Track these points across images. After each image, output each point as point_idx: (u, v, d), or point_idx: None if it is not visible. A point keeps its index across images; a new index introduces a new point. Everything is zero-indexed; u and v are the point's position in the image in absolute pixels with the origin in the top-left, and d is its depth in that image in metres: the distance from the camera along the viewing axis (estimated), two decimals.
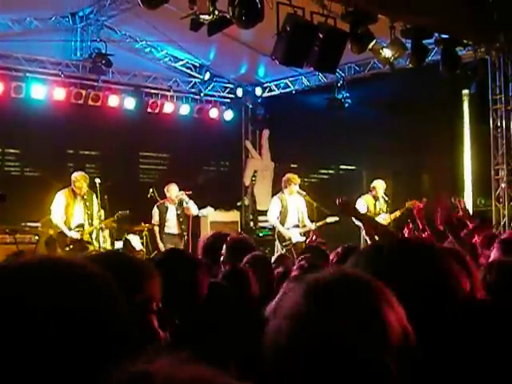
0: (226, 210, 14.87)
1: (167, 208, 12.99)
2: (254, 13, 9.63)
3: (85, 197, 11.78)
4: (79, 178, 11.81)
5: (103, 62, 13.91)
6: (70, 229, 11.68)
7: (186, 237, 12.90)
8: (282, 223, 12.86)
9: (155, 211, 13.06)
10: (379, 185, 13.27)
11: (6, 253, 11.19)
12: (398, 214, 12.92)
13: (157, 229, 13.00)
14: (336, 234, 12.89)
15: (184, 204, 12.99)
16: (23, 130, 13.75)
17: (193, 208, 13.05)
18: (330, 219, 12.81)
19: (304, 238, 12.71)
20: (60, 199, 11.77)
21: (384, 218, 12.96)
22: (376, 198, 13.25)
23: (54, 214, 11.70)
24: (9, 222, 12.49)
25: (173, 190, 12.96)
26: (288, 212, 12.90)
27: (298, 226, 12.86)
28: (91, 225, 11.81)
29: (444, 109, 14.05)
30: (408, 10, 10.63)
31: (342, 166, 17.29)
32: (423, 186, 15.51)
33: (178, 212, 12.98)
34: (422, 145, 14.55)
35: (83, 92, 14.58)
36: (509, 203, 12.79)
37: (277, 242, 13.44)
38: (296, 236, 12.76)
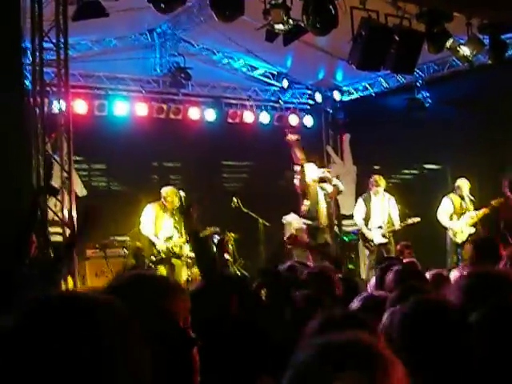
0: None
1: None
2: (328, 20, 9.67)
3: (174, 211, 11.89)
4: (170, 192, 11.89)
5: (182, 75, 14.15)
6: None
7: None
8: (366, 224, 12.85)
9: None
10: (463, 183, 13.09)
11: (98, 267, 11.54)
12: (485, 211, 12.70)
13: None
14: (420, 235, 12.82)
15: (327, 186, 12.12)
16: (108, 145, 14.06)
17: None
18: (411, 220, 12.76)
19: (387, 240, 12.71)
20: (149, 211, 11.91)
21: (470, 216, 12.78)
22: (461, 197, 13.07)
23: (144, 225, 11.84)
24: (98, 236, 12.79)
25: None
26: (372, 213, 12.88)
27: (381, 228, 12.81)
28: (180, 237, 11.89)
29: None
30: (484, 5, 10.45)
31: (426, 166, 17.08)
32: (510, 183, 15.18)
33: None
34: (506, 142, 14.27)
35: (164, 106, 14.86)
36: None
37: (360, 243, 13.45)
38: (378, 237, 12.73)
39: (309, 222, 11.80)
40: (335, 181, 12.31)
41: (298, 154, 11.43)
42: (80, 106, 13.71)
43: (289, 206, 14.60)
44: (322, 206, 11.81)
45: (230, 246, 13.21)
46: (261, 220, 13.37)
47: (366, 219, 12.90)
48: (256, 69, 15.91)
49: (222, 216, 13.38)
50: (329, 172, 12.49)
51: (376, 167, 17.22)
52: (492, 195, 13.40)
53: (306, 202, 11.77)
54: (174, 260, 11.73)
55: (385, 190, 13.07)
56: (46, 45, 9.81)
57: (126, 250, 12.44)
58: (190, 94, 15.32)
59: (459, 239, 12.78)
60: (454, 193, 13.19)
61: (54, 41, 9.87)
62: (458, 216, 12.92)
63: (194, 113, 15.32)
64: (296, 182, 11.73)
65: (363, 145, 16.47)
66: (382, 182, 12.94)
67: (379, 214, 12.89)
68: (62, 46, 9.90)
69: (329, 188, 12.00)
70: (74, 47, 12.88)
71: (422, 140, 15.06)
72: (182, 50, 14.47)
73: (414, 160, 16.84)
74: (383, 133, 15.36)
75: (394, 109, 15.85)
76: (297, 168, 11.61)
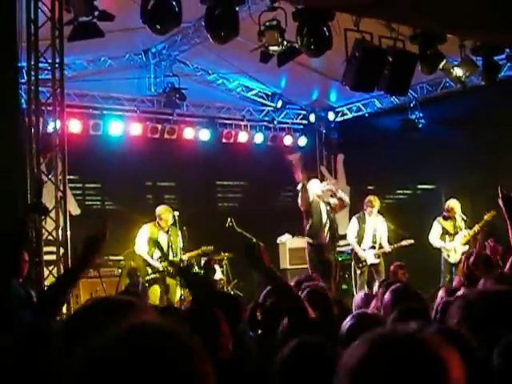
0: (304, 236, 14.88)
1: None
2: (322, 41, 9.74)
3: (169, 231, 11.88)
4: (164, 211, 11.86)
5: (177, 95, 14.20)
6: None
7: None
8: (359, 243, 12.85)
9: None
10: (455, 204, 13.04)
11: (92, 287, 11.50)
12: (477, 228, 12.69)
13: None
14: (413, 255, 12.83)
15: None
16: (102, 165, 14.09)
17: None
18: (405, 242, 12.78)
19: (379, 261, 12.72)
20: (145, 232, 11.89)
21: (463, 235, 12.79)
22: (453, 218, 13.04)
23: (139, 245, 11.78)
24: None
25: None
26: (365, 233, 12.88)
27: (373, 248, 12.82)
28: (174, 257, 11.86)
29: None
30: (477, 27, 10.53)
31: (420, 186, 17.14)
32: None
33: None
34: (500, 162, 14.34)
35: (159, 126, 14.91)
36: None
37: (353, 263, 13.44)
38: (371, 258, 12.73)
39: (310, 241, 11.79)
40: (340, 193, 12.24)
41: (300, 173, 11.43)
42: (74, 126, 13.74)
43: (283, 226, 14.66)
44: (326, 223, 11.80)
45: (219, 266, 13.21)
46: (254, 240, 13.35)
47: (359, 239, 12.89)
48: (250, 89, 15.99)
49: (216, 236, 13.37)
50: (333, 184, 12.44)
51: (370, 187, 17.24)
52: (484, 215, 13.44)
53: (310, 220, 11.74)
54: (168, 279, 11.70)
55: (379, 212, 13.07)
56: (41, 65, 9.84)
57: (120, 270, 12.43)
58: (185, 114, 15.40)
59: (453, 259, 12.78)
60: (444, 214, 13.14)
61: (50, 60, 9.90)
62: (451, 237, 12.92)
63: (188, 133, 15.37)
64: (299, 200, 11.70)
65: (357, 165, 16.53)
66: (377, 203, 12.94)
67: (371, 234, 12.89)
68: (58, 65, 9.92)
69: (333, 201, 12.02)
70: (69, 67, 12.94)
71: (416, 160, 15.12)
72: (176, 71, 14.53)
73: (408, 180, 16.89)
74: (377, 153, 15.43)
75: (388, 129, 15.92)
76: (299, 187, 11.59)
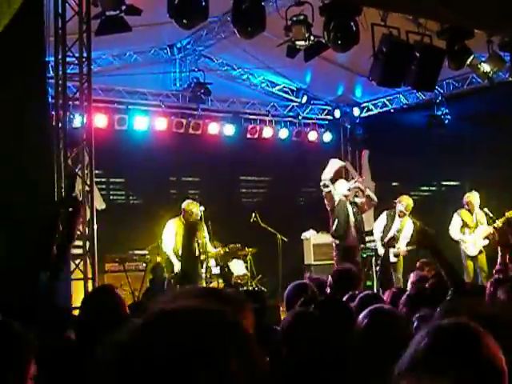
0: (329, 232, 14.85)
1: None
2: (349, 36, 9.70)
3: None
4: (191, 205, 11.84)
5: (202, 90, 14.20)
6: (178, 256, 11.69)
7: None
8: (382, 240, 12.83)
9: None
10: (473, 197, 12.98)
11: (117, 281, 11.53)
12: (498, 224, 12.59)
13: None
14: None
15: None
16: (127, 159, 14.12)
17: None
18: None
19: (397, 259, 12.69)
20: (170, 227, 11.87)
21: (485, 230, 12.72)
22: (472, 212, 12.99)
23: (165, 242, 11.77)
24: (116, 249, 12.84)
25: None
26: (390, 231, 12.84)
27: (394, 247, 12.79)
28: (201, 253, 11.80)
29: None
30: (505, 22, 10.44)
31: (445, 182, 17.04)
32: None
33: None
34: None
35: (184, 121, 14.93)
36: None
37: (373, 259, 13.44)
38: (391, 256, 12.71)
39: (337, 242, 11.75)
40: (368, 191, 12.23)
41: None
42: (100, 120, 13.77)
43: (308, 221, 14.62)
44: (353, 224, 11.75)
45: (243, 261, 13.20)
46: (279, 235, 13.36)
47: (384, 235, 12.86)
48: (275, 84, 15.97)
49: (241, 231, 13.39)
50: (360, 182, 12.37)
51: (394, 184, 17.20)
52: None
53: (336, 221, 11.70)
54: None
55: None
56: (68, 59, 9.87)
57: (145, 264, 12.46)
58: (210, 109, 15.41)
59: (470, 252, 12.74)
60: (463, 208, 13.10)
61: (77, 55, 9.92)
62: (471, 229, 12.87)
63: (213, 128, 15.38)
64: (325, 201, 11.67)
65: (382, 161, 16.45)
66: (403, 202, 12.86)
67: (394, 233, 12.85)
68: (85, 60, 9.95)
69: (360, 200, 12.00)
70: (95, 61, 12.94)
71: (441, 156, 15.03)
72: (201, 65, 14.54)
73: (433, 176, 16.80)
74: (402, 149, 15.34)
75: (413, 125, 15.83)
76: (323, 187, 11.52)
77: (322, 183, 11.60)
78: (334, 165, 12.06)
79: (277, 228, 13.40)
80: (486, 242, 12.67)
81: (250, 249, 13.26)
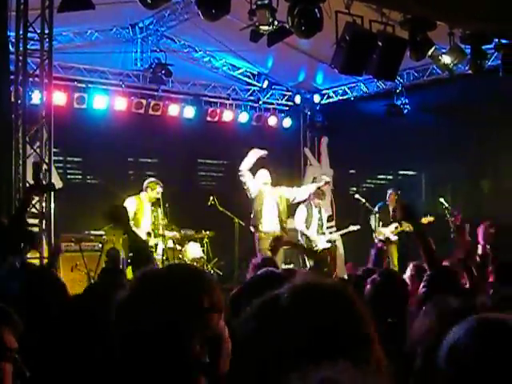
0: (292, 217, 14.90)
1: None
2: (313, 23, 9.70)
3: (153, 206, 11.95)
4: (155, 183, 11.97)
5: (163, 71, 14.10)
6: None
7: None
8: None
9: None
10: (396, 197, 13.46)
11: (72, 261, 11.45)
12: (406, 228, 12.87)
13: None
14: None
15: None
16: (85, 138, 14.00)
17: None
18: (352, 227, 13.15)
19: (330, 245, 13.08)
20: (130, 204, 11.88)
21: (395, 226, 13.16)
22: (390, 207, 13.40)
23: None
24: (71, 229, 12.73)
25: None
26: (312, 220, 13.19)
27: (324, 234, 13.16)
28: (157, 234, 11.88)
29: (504, 114, 13.91)
30: (467, 16, 10.55)
31: (401, 172, 17.20)
32: (483, 191, 15.36)
33: None
34: (482, 150, 14.43)
35: (144, 102, 14.83)
36: None
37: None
38: (322, 243, 13.15)
39: (253, 229, 12.20)
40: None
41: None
42: (59, 98, 13.60)
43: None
44: (273, 213, 12.14)
45: (200, 245, 13.20)
46: (236, 219, 13.36)
47: (307, 224, 13.17)
48: (237, 68, 15.91)
49: (198, 214, 13.36)
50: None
51: (352, 171, 17.34)
52: (466, 202, 13.56)
53: (254, 210, 12.21)
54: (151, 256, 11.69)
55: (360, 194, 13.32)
56: (29, 34, 9.74)
57: (101, 245, 12.37)
58: (170, 90, 15.33)
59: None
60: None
61: (39, 31, 9.79)
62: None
63: (173, 109, 15.31)
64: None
65: (340, 148, 16.54)
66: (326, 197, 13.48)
67: (316, 222, 13.22)
68: (46, 36, 9.82)
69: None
70: (56, 38, 12.73)
71: (399, 146, 15.16)
72: (163, 46, 14.44)
73: (390, 166, 16.94)
74: (361, 137, 15.46)
75: (373, 114, 15.93)
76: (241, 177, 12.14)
77: (238, 173, 12.13)
78: (254, 155, 12.44)
79: (234, 212, 13.40)
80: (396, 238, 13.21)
81: (207, 232, 13.26)
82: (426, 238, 4.88)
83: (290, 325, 1.51)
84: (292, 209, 13.20)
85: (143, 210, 11.93)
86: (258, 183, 12.19)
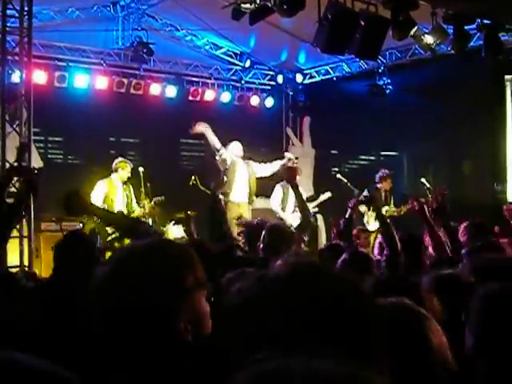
0: (268, 197, 14.88)
1: None
2: (295, 1, 9.65)
3: (124, 186, 11.94)
4: (122, 163, 11.98)
5: (145, 50, 14.02)
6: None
7: None
8: (283, 210, 13.31)
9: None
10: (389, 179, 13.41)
11: (53, 241, 11.37)
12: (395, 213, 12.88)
13: None
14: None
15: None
16: (66, 118, 13.91)
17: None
18: (323, 196, 13.24)
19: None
20: (100, 187, 11.93)
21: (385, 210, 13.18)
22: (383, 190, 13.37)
23: (94, 201, 11.84)
24: (52, 209, 12.67)
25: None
26: (289, 199, 13.34)
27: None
28: (130, 214, 11.88)
29: (486, 94, 13.93)
30: None
31: (383, 152, 17.20)
32: (464, 172, 15.41)
33: None
34: (464, 131, 14.44)
35: (125, 81, 14.71)
36: None
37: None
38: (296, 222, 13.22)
39: (224, 199, 12.25)
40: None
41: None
42: (39, 77, 13.48)
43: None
44: (244, 184, 12.61)
45: (181, 225, 13.12)
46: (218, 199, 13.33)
47: (283, 205, 13.16)
48: (219, 47, 15.82)
49: (180, 193, 13.32)
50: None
51: (334, 151, 17.34)
52: (446, 183, 13.57)
53: (227, 180, 12.58)
54: (126, 240, 11.66)
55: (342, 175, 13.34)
56: (8, 11, 9.63)
57: (81, 225, 12.31)
58: (152, 69, 15.21)
59: (370, 227, 13.02)
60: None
61: (18, 8, 9.68)
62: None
63: (154, 89, 15.21)
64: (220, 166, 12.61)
65: (322, 128, 16.53)
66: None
67: (293, 201, 13.29)
68: (26, 14, 9.72)
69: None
70: (36, 16, 12.63)
71: (381, 127, 15.16)
72: (145, 25, 14.35)
73: (371, 146, 16.93)
74: (343, 117, 15.44)
75: (355, 94, 15.91)
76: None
77: (217, 155, 12.55)
78: (208, 130, 12.93)
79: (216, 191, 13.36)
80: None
81: (189, 212, 13.19)
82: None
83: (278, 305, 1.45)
84: (266, 188, 13.29)
85: (116, 191, 11.95)
86: (230, 154, 12.55)
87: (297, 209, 13.30)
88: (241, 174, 12.54)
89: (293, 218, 13.12)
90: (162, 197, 12.58)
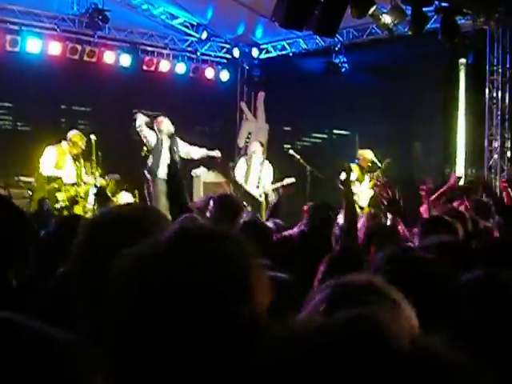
0: (219, 171, 14.84)
1: None
2: None
3: (77, 157, 11.82)
4: (78, 137, 11.86)
5: (100, 17, 13.77)
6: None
7: None
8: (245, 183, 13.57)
9: None
10: (367, 154, 13.38)
11: None
12: (377, 174, 12.98)
13: None
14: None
15: None
16: (17, 83, 13.62)
17: None
18: (286, 180, 13.30)
19: (262, 200, 13.29)
20: (50, 153, 11.77)
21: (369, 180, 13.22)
22: (362, 167, 13.37)
23: (44, 167, 11.73)
24: (1, 175, 12.50)
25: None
26: (250, 173, 13.61)
27: (258, 188, 13.48)
28: (81, 184, 11.79)
29: (440, 77, 14.05)
30: None
31: (336, 131, 17.25)
32: (415, 152, 15.55)
33: None
34: (417, 112, 14.56)
35: (79, 47, 14.43)
36: (500, 174, 12.89)
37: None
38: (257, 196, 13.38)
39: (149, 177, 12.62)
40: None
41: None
42: None
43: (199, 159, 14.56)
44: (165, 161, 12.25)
45: (132, 194, 13.06)
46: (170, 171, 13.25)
47: (246, 178, 13.29)
48: (176, 17, 15.60)
49: (132, 164, 13.22)
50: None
51: (287, 128, 17.33)
52: (398, 163, 13.69)
53: (151, 157, 12.70)
54: (75, 208, 11.59)
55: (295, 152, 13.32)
56: None
57: (30, 192, 12.14)
58: (107, 37, 14.94)
59: (362, 203, 13.08)
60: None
61: None
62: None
63: (108, 57, 14.94)
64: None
65: (277, 104, 16.50)
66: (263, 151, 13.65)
67: (257, 175, 13.33)
68: None
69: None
70: None
71: (335, 105, 15.21)
72: None
73: (325, 124, 16.98)
74: (297, 94, 15.43)
75: (311, 71, 15.89)
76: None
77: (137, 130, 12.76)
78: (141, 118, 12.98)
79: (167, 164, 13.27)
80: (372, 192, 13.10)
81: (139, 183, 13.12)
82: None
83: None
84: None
85: (65, 159, 11.81)
86: (156, 133, 12.73)
87: (259, 184, 13.42)
88: (166, 151, 12.43)
89: (257, 192, 13.23)
90: (117, 175, 12.50)
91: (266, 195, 13.47)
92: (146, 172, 12.54)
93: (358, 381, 1.00)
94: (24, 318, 1.05)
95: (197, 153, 13.15)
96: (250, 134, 17.03)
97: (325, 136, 17.70)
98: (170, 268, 1.43)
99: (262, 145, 14.07)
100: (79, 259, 1.97)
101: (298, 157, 13.23)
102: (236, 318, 1.41)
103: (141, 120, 12.72)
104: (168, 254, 1.46)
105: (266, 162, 13.80)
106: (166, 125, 12.72)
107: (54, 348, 1.01)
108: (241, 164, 13.72)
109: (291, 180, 13.41)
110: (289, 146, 16.04)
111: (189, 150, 13.05)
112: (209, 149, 13.30)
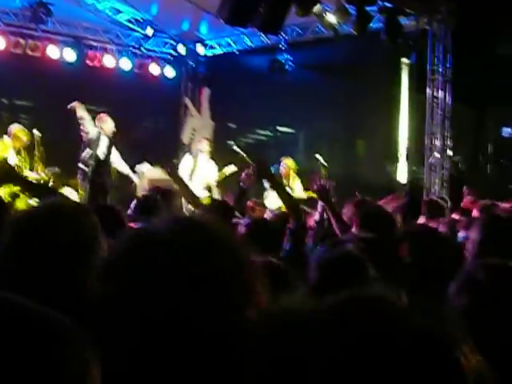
0: (163, 168, 14.77)
1: None
2: None
3: (19, 151, 11.70)
4: (22, 132, 11.72)
5: (43, 10, 13.65)
6: None
7: None
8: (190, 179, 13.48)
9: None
10: (290, 162, 13.51)
11: None
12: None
13: None
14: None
15: None
16: None
17: None
18: (227, 169, 13.33)
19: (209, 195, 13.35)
20: None
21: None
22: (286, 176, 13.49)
23: None
24: None
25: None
26: (196, 169, 13.61)
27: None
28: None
29: (383, 76, 14.24)
30: None
31: (280, 128, 17.34)
32: (358, 150, 15.74)
33: None
34: (360, 110, 14.73)
35: (22, 41, 14.28)
36: (440, 171, 13.15)
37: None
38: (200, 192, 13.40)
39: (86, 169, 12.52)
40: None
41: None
42: None
43: (143, 155, 14.50)
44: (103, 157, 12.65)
45: (75, 190, 12.96)
46: (113, 167, 13.18)
47: (191, 174, 13.28)
48: (120, 12, 15.49)
49: (73, 160, 13.10)
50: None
51: (232, 125, 17.36)
52: (342, 161, 13.85)
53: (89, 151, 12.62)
54: (18, 203, 11.46)
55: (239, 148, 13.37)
56: None
57: None
58: (50, 31, 14.78)
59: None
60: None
61: None
62: None
63: (52, 51, 14.79)
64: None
65: (222, 101, 16.51)
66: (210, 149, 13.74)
67: (202, 174, 13.38)
68: None
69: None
70: None
71: (279, 103, 15.28)
72: None
73: (269, 121, 17.06)
74: (242, 91, 15.46)
75: (256, 69, 15.95)
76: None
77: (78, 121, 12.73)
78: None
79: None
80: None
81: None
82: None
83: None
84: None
85: (8, 153, 11.67)
86: (96, 127, 12.70)
87: (204, 183, 13.41)
88: (105, 145, 12.68)
89: (201, 192, 13.16)
90: (56, 168, 12.40)
91: (210, 190, 13.45)
92: (80, 164, 12.46)
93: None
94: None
95: (121, 167, 13.13)
96: (194, 130, 17.03)
97: (269, 133, 17.78)
98: (175, 252, 1.43)
99: (210, 144, 13.96)
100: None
101: (242, 153, 13.27)
102: (239, 310, 1.41)
103: (82, 111, 12.71)
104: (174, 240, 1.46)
105: (211, 160, 13.81)
106: (108, 124, 12.68)
107: (55, 330, 1.02)
108: (186, 161, 13.62)
109: (233, 168, 13.37)
110: (232, 143, 16.09)
111: (116, 160, 13.00)
112: (138, 163, 13.29)
